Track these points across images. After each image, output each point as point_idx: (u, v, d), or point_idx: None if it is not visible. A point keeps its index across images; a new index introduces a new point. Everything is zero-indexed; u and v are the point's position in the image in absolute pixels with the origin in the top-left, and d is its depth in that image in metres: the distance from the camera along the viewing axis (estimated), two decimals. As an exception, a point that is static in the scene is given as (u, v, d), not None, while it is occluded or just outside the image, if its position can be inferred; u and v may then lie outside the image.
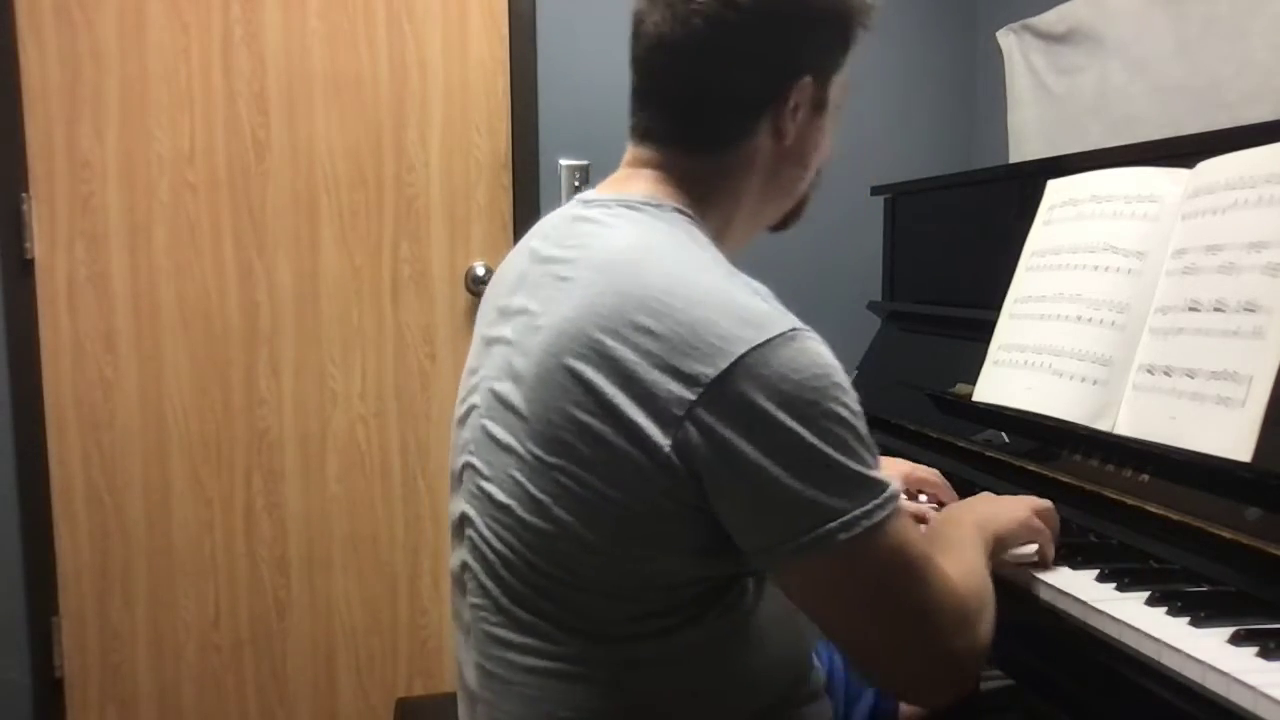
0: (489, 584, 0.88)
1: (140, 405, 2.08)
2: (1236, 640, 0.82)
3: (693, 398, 0.75)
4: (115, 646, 2.10)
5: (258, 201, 2.10)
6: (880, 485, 0.78)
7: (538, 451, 0.82)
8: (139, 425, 2.08)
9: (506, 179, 2.21)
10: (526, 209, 2.19)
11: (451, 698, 1.02)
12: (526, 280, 0.91)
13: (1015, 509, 1.03)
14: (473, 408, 0.92)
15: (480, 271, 2.19)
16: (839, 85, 0.95)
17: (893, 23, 2.44)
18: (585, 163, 2.18)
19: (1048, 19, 2.09)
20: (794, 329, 0.78)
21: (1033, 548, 1.04)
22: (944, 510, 1.13)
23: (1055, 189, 1.36)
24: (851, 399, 0.79)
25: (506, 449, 0.85)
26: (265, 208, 2.11)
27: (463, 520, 0.92)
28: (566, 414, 0.80)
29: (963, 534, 0.95)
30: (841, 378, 0.79)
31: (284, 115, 2.10)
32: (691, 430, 0.76)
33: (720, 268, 0.83)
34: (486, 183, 2.21)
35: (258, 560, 2.16)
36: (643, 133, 0.93)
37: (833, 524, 0.75)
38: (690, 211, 0.90)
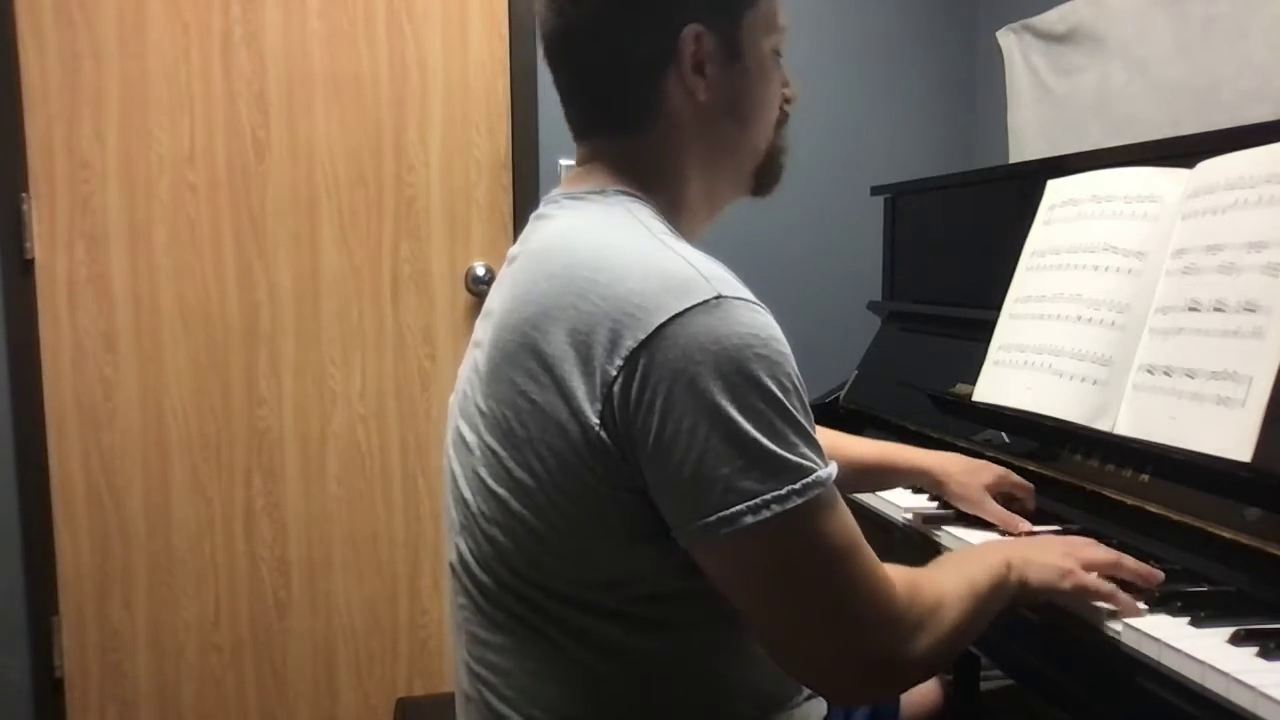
0: (469, 585, 0.89)
1: (140, 405, 2.08)
2: (1236, 640, 0.82)
3: (614, 372, 0.74)
4: (115, 646, 2.10)
5: (258, 201, 2.10)
6: (801, 469, 0.74)
7: (493, 444, 0.82)
8: (139, 425, 2.08)
9: (506, 179, 2.21)
10: (526, 209, 2.16)
11: (450, 697, 1.02)
12: (497, 281, 0.94)
13: (1052, 555, 0.94)
14: (452, 413, 0.94)
15: (480, 271, 2.19)
16: (759, 25, 0.90)
17: (893, 23, 2.44)
18: (585, 163, 2.18)
19: (1048, 19, 2.09)
20: (719, 296, 0.74)
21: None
22: (982, 543, 1.10)
23: (1055, 189, 1.36)
24: (781, 371, 0.75)
25: (471, 448, 0.86)
26: (265, 208, 2.11)
27: (449, 524, 0.94)
28: (516, 394, 0.80)
29: (967, 561, 0.91)
30: (770, 348, 0.75)
31: (284, 115, 2.10)
32: (615, 403, 0.75)
33: (651, 238, 0.81)
34: (486, 183, 2.21)
35: (258, 560, 2.16)
36: (575, 131, 0.94)
37: (739, 506, 0.72)
38: (637, 193, 0.88)
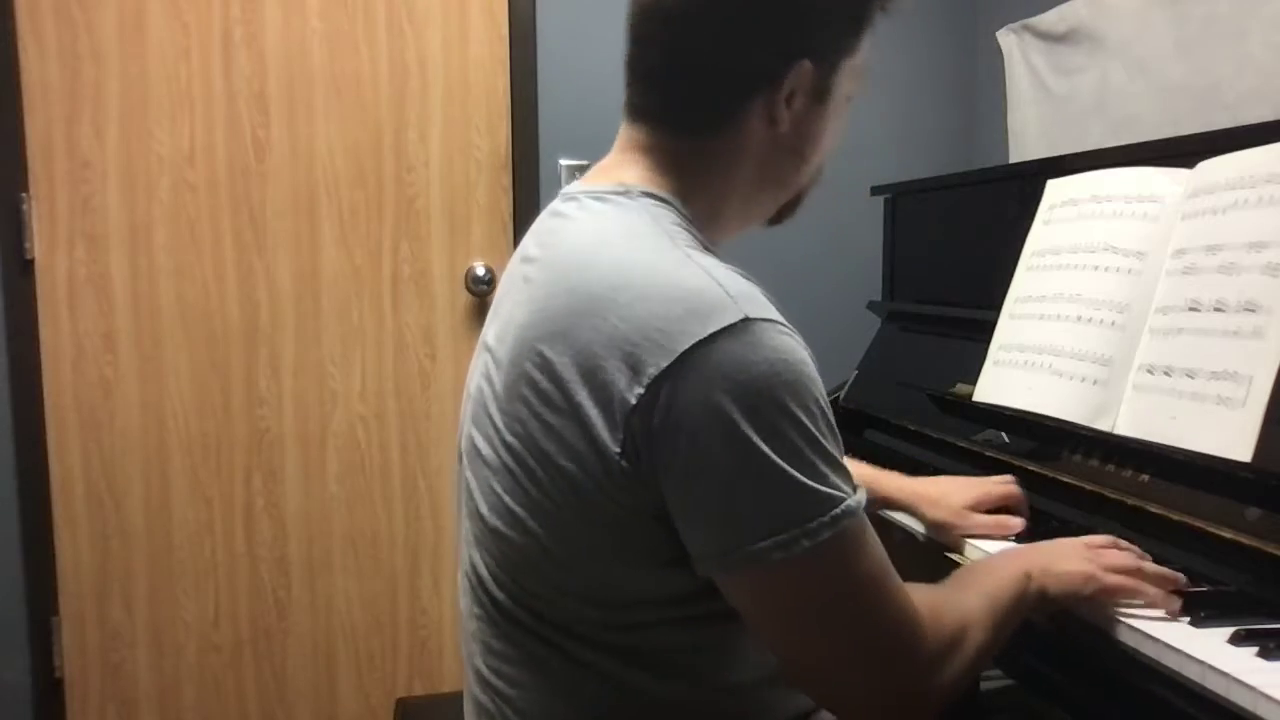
0: (484, 598, 0.87)
1: (140, 405, 2.08)
2: (1236, 640, 0.82)
3: (634, 400, 0.71)
4: (115, 646, 2.10)
5: (258, 201, 2.10)
6: (831, 500, 0.72)
7: (509, 461, 0.80)
8: (139, 425, 2.08)
9: (506, 179, 2.21)
10: (526, 209, 2.19)
11: (450, 698, 1.02)
12: (509, 281, 0.90)
13: (1073, 562, 0.92)
14: (465, 417, 0.92)
15: (480, 271, 2.19)
16: (850, 72, 0.88)
17: (892, 23, 2.44)
18: (585, 163, 2.18)
19: (1048, 19, 2.09)
20: (745, 319, 0.71)
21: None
22: (1000, 552, 1.06)
23: (1055, 189, 1.36)
24: (809, 397, 0.72)
25: (486, 461, 0.83)
26: (265, 208, 2.11)
27: (464, 534, 0.92)
28: (531, 415, 0.77)
29: (987, 576, 0.88)
30: (798, 372, 0.72)
31: (284, 115, 2.10)
32: (637, 430, 0.71)
33: (676, 251, 0.77)
34: (486, 183, 2.21)
35: (258, 560, 2.16)
36: (633, 110, 0.89)
37: (767, 542, 0.70)
38: (668, 196, 0.84)
